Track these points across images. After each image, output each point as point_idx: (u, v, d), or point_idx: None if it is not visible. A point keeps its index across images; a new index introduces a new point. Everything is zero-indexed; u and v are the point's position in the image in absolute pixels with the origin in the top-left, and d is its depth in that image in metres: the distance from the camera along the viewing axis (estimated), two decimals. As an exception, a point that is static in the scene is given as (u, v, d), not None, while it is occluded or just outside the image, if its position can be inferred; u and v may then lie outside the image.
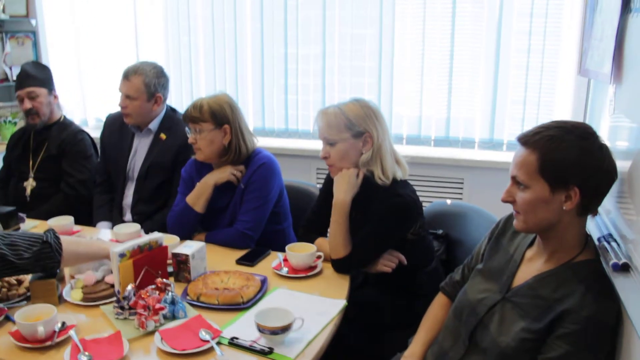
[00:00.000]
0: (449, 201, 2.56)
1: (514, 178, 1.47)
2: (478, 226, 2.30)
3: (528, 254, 1.58)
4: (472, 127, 3.45)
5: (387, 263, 2.07)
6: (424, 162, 3.35)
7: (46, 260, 1.76)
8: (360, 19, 3.52)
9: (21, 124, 3.90)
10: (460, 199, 3.42)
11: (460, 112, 3.44)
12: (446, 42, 3.36)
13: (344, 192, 2.07)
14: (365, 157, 2.06)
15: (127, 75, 2.83)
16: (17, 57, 4.47)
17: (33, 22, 4.40)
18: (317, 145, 3.56)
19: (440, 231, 2.39)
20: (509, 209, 1.56)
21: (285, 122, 3.84)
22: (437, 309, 1.86)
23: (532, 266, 1.54)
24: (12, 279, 1.94)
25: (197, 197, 2.40)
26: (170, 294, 1.75)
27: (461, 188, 3.43)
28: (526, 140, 1.44)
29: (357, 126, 2.06)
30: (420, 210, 2.11)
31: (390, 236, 2.05)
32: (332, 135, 2.08)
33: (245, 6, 3.79)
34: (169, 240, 2.14)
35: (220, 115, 2.35)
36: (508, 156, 3.30)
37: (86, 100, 4.52)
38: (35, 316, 1.67)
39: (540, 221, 1.45)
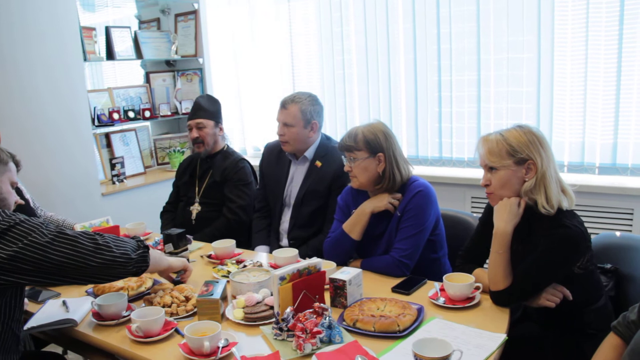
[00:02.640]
0: (618, 233, 2.36)
1: None
2: (653, 261, 2.10)
3: None
4: (644, 154, 3.17)
5: (551, 298, 1.94)
6: (587, 191, 3.13)
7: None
8: (516, 44, 3.40)
9: (188, 152, 4.22)
10: (630, 231, 3.14)
11: (629, 137, 3.18)
12: (612, 62, 3.13)
13: (505, 221, 1.98)
14: (528, 185, 1.97)
15: (285, 105, 2.96)
16: (186, 92, 4.87)
17: (200, 60, 4.78)
18: (472, 173, 3.55)
19: (609, 265, 2.20)
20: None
21: (439, 150, 3.80)
22: (608, 351, 1.71)
23: None
24: (181, 296, 2.07)
25: (354, 225, 2.42)
26: (327, 318, 1.77)
27: (631, 219, 3.15)
28: None
29: (519, 153, 1.97)
30: (588, 243, 1.96)
31: (555, 269, 1.92)
32: (493, 162, 2.01)
33: (398, 38, 3.84)
34: (326, 266, 2.17)
35: (374, 143, 2.37)
36: (686, 185, 3.01)
37: (245, 130, 4.80)
38: (201, 331, 1.76)
39: None
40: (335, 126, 4.21)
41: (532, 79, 3.39)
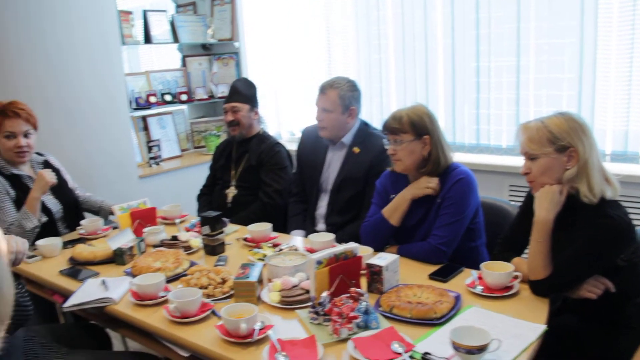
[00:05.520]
0: (664, 225, 2.30)
1: None
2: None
3: None
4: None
5: (592, 289, 1.90)
6: (631, 181, 3.04)
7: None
8: (558, 29, 3.31)
9: (224, 136, 4.25)
10: (678, 223, 3.06)
11: (676, 125, 3.08)
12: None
13: (546, 209, 1.94)
14: (570, 173, 1.93)
15: (324, 90, 2.94)
16: (222, 76, 4.89)
17: (236, 44, 4.80)
18: (510, 161, 3.49)
19: (654, 258, 2.15)
20: None
21: (476, 137, 3.74)
22: None
23: None
24: (218, 278, 2.09)
25: (393, 211, 2.40)
26: (363, 303, 1.77)
27: (678, 211, 3.07)
28: None
29: (560, 140, 1.93)
30: (633, 234, 1.91)
31: (597, 260, 1.88)
32: (533, 149, 1.97)
33: (436, 23, 3.77)
34: (363, 251, 2.16)
35: (419, 125, 2.34)
36: None
37: (280, 115, 4.80)
38: (238, 313, 1.77)
39: None
40: (371, 112, 4.17)
41: (574, 65, 3.29)
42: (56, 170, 2.96)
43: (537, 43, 3.40)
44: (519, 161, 2.06)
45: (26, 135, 2.78)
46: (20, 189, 2.78)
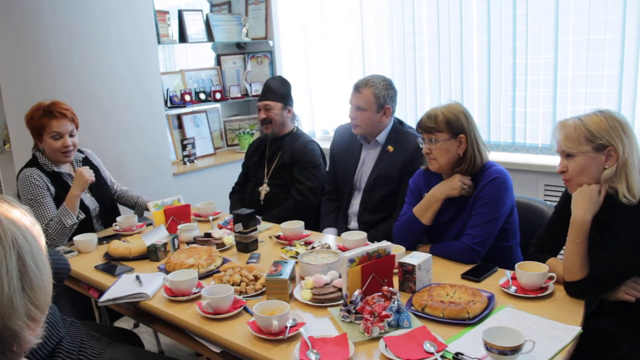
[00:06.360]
0: None
1: None
2: None
3: None
4: None
5: (631, 291, 1.85)
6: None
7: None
8: (598, 25, 3.23)
9: (257, 134, 4.27)
10: None
11: None
12: None
13: (584, 209, 1.90)
14: (608, 172, 1.88)
15: (358, 88, 2.93)
16: (256, 74, 4.91)
17: (270, 43, 4.82)
18: (546, 160, 3.43)
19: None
20: None
21: (512, 136, 3.69)
22: None
23: None
24: (250, 275, 2.10)
25: (425, 210, 2.38)
26: (396, 302, 1.76)
27: None
28: None
29: (599, 139, 1.89)
30: (676, 237, 1.86)
31: (636, 262, 1.83)
32: (570, 148, 1.93)
33: (472, 19, 3.73)
34: (395, 250, 2.15)
35: (455, 124, 2.31)
36: None
37: (314, 113, 4.80)
38: (270, 310, 1.78)
39: None
40: (406, 110, 4.14)
41: (615, 62, 3.22)
42: (95, 168, 3.01)
43: (576, 39, 3.33)
44: (554, 160, 2.02)
45: (71, 134, 2.84)
46: (60, 186, 2.84)
